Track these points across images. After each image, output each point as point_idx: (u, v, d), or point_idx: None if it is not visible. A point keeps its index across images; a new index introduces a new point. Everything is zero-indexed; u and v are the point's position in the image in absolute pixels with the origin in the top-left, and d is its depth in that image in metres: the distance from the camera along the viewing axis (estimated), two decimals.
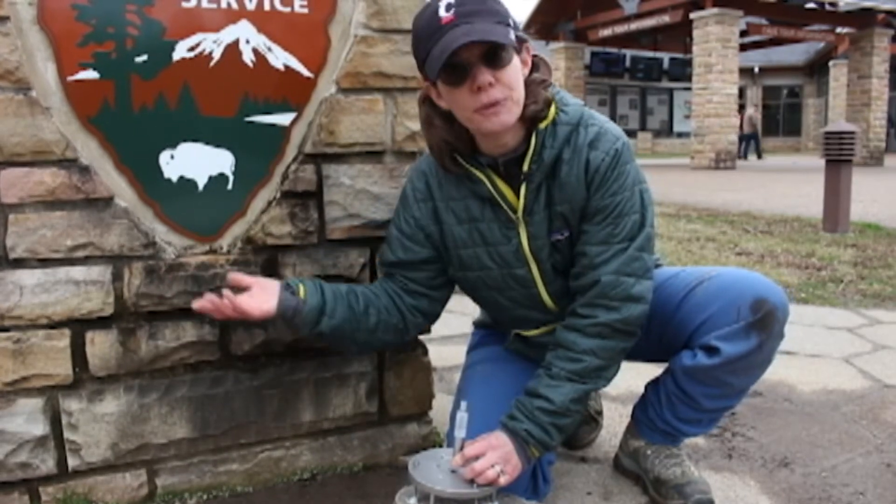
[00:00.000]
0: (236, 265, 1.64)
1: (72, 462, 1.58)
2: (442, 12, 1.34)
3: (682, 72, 27.43)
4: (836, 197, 6.06)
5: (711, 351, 1.52)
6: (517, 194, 1.49)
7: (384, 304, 1.57)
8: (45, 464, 1.56)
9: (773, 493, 1.73)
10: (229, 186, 1.62)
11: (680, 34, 21.49)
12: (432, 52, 1.34)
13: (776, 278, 3.10)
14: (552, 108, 1.46)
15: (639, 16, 19.58)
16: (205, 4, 1.54)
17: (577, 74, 21.91)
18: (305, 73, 1.65)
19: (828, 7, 18.52)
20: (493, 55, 1.35)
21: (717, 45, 16.83)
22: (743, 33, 18.44)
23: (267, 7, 1.59)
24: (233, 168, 1.62)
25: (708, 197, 9.61)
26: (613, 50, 26.07)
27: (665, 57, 27.95)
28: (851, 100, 19.56)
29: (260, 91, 1.61)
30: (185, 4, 1.52)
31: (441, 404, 2.02)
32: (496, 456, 1.41)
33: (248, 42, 1.58)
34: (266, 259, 1.68)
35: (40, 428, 1.54)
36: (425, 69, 1.39)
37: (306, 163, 1.68)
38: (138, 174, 1.55)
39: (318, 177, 1.70)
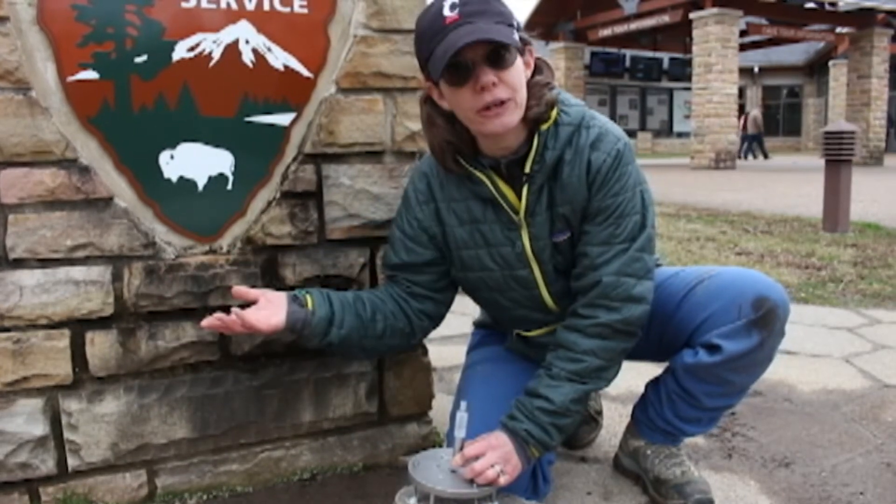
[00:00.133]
0: (236, 265, 1.64)
1: (72, 462, 1.58)
2: (446, 11, 1.33)
3: (681, 72, 27.44)
4: (835, 197, 6.06)
5: (713, 349, 1.52)
6: (519, 195, 1.49)
7: (390, 310, 1.57)
8: (45, 464, 1.56)
9: (773, 492, 1.73)
10: (229, 186, 1.62)
11: (680, 34, 21.49)
12: (436, 51, 1.34)
13: (776, 278, 3.10)
14: (554, 110, 1.46)
15: (638, 16, 19.58)
16: (204, 5, 1.54)
17: (576, 74, 21.91)
18: (305, 73, 1.65)
19: (827, 7, 18.52)
20: (497, 55, 1.34)
21: (716, 44, 16.84)
22: (743, 33, 18.44)
23: (266, 7, 1.59)
24: (232, 168, 1.62)
25: (708, 197, 9.61)
26: (613, 50, 26.07)
27: (665, 57, 27.95)
28: (851, 100, 19.56)
29: (259, 91, 1.61)
30: (184, 5, 1.52)
31: (441, 404, 2.02)
32: (496, 456, 1.41)
33: (247, 42, 1.58)
34: (266, 259, 1.68)
35: (40, 428, 1.54)
36: (428, 69, 1.39)
37: (306, 163, 1.68)
38: (138, 174, 1.55)
39: (318, 177, 1.70)
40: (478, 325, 1.92)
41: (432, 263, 1.59)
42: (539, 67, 1.47)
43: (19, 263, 1.49)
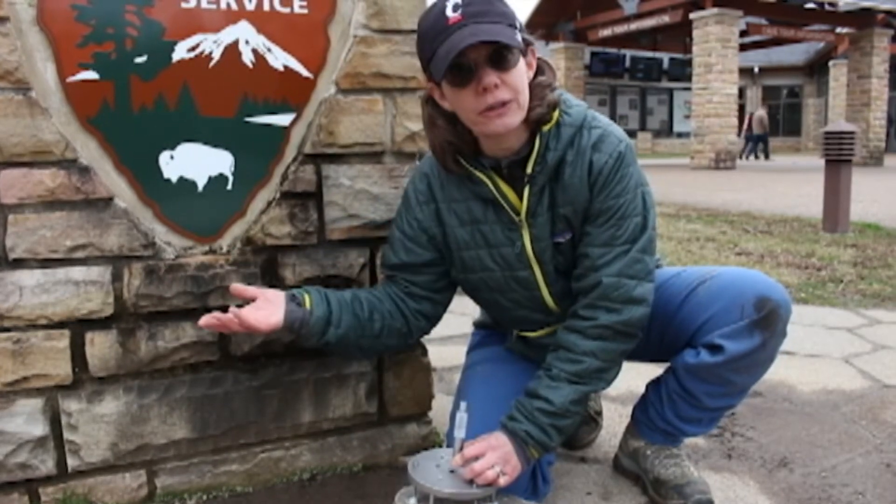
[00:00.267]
0: (236, 266, 1.64)
1: (71, 462, 1.58)
2: (449, 12, 1.33)
3: (681, 72, 27.45)
4: (835, 197, 6.06)
5: (715, 349, 1.52)
6: (520, 196, 1.49)
7: (388, 309, 1.57)
8: (45, 464, 1.56)
9: (773, 493, 1.73)
10: (229, 187, 1.62)
11: (680, 34, 21.50)
12: (438, 51, 1.33)
13: (776, 278, 3.09)
14: (556, 110, 1.45)
15: (638, 16, 19.59)
16: (204, 5, 1.54)
17: (576, 74, 21.92)
18: (305, 73, 1.65)
19: (827, 7, 18.53)
20: (500, 57, 1.34)
21: (716, 45, 16.84)
22: (743, 33, 18.44)
23: (266, 7, 1.59)
24: (232, 168, 1.62)
25: (708, 197, 9.61)
26: (613, 50, 26.08)
27: (665, 57, 27.96)
28: (851, 100, 19.57)
29: (259, 91, 1.61)
30: (184, 5, 1.52)
31: (441, 405, 2.02)
32: (496, 456, 1.41)
33: (247, 42, 1.58)
34: (265, 259, 1.68)
35: (40, 428, 1.54)
36: (430, 69, 1.38)
37: (306, 163, 1.68)
38: (138, 174, 1.55)
39: (318, 177, 1.70)
40: (478, 325, 1.92)
41: (431, 264, 1.58)
42: (541, 68, 1.47)
43: (19, 263, 1.49)
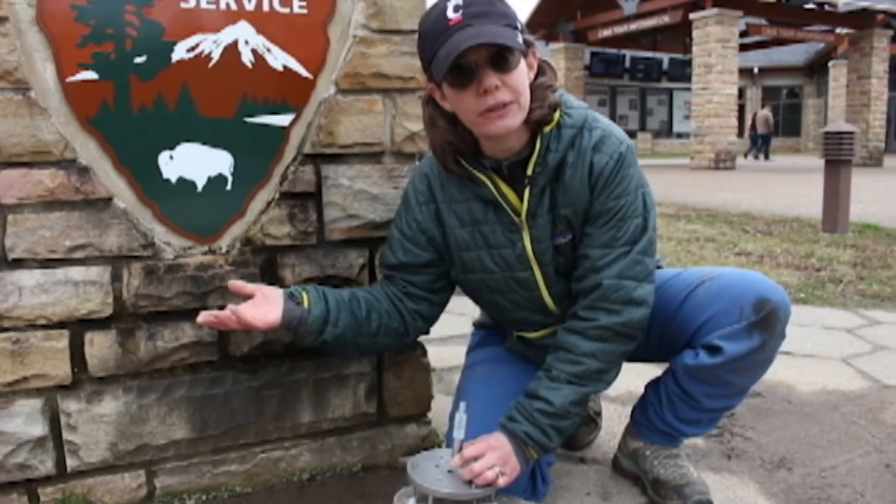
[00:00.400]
0: (235, 266, 1.64)
1: (70, 463, 1.58)
2: (450, 13, 1.32)
3: (681, 72, 27.45)
4: (835, 197, 6.07)
5: (714, 350, 1.52)
6: (520, 197, 1.48)
7: (385, 309, 1.57)
8: (44, 464, 1.55)
9: (772, 493, 1.73)
10: (228, 187, 1.62)
11: (679, 34, 21.51)
12: (439, 53, 1.33)
13: (776, 279, 3.09)
14: (556, 112, 1.45)
15: (638, 16, 19.60)
16: (204, 5, 1.54)
17: (576, 75, 21.94)
18: (304, 73, 1.65)
19: (827, 7, 18.54)
20: (501, 58, 1.33)
21: (716, 45, 16.85)
22: (742, 34, 18.45)
23: (266, 8, 1.59)
24: (232, 169, 1.62)
25: (707, 197, 9.62)
26: (613, 50, 26.09)
27: (665, 57, 27.97)
28: (851, 100, 19.59)
29: (259, 92, 1.61)
30: (184, 5, 1.52)
31: (440, 405, 2.02)
32: (495, 457, 1.41)
33: (247, 43, 1.58)
34: (265, 260, 1.68)
35: (39, 429, 1.54)
36: (431, 70, 1.38)
37: (305, 163, 1.68)
38: (137, 175, 1.55)
39: (317, 177, 1.70)
40: (478, 325, 1.92)
41: (429, 265, 1.58)
42: (542, 69, 1.46)
43: (18, 264, 1.48)
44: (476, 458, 1.40)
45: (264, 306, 1.44)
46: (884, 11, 18.45)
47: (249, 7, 1.57)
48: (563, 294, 1.55)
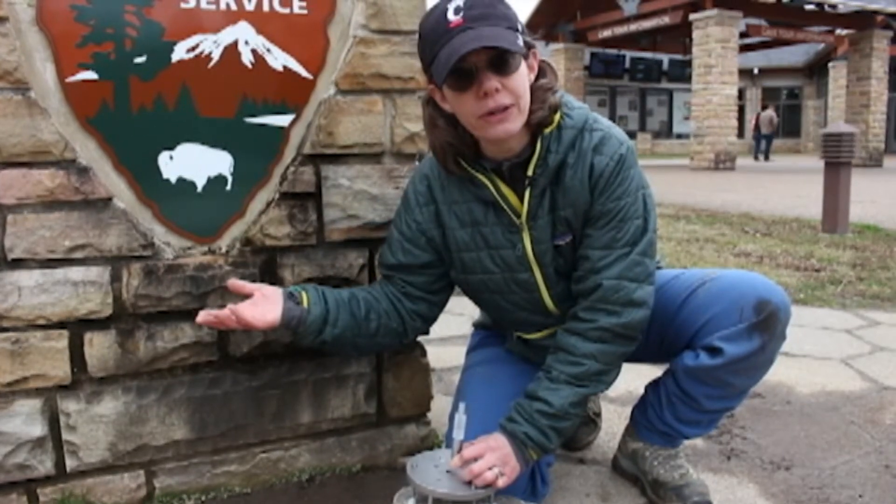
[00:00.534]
0: (235, 266, 1.64)
1: (70, 463, 1.58)
2: (450, 15, 1.32)
3: (681, 73, 27.45)
4: (835, 198, 6.07)
5: (714, 351, 1.52)
6: (521, 198, 1.48)
7: (384, 309, 1.57)
8: (44, 465, 1.55)
9: (772, 494, 1.73)
10: (228, 187, 1.62)
11: (679, 35, 21.51)
12: (439, 55, 1.32)
13: (775, 279, 3.09)
14: (557, 113, 1.45)
15: (638, 17, 19.59)
16: (204, 5, 1.54)
17: (576, 75, 21.93)
18: (304, 74, 1.65)
19: (827, 8, 18.54)
20: (501, 61, 1.33)
21: (716, 46, 16.85)
22: (742, 34, 18.45)
23: (266, 8, 1.59)
24: (231, 169, 1.62)
25: (707, 198, 9.62)
26: (613, 51, 26.08)
27: (664, 58, 27.96)
28: (851, 101, 19.59)
29: (259, 92, 1.61)
30: (183, 5, 1.52)
31: (440, 405, 2.02)
32: (494, 458, 1.41)
33: (247, 43, 1.58)
34: (265, 260, 1.68)
35: (38, 429, 1.54)
36: (431, 72, 1.38)
37: (305, 164, 1.68)
38: (137, 175, 1.55)
39: (317, 178, 1.70)
40: (477, 326, 1.92)
41: (429, 266, 1.58)
42: (543, 70, 1.46)
43: (18, 264, 1.48)
44: (476, 459, 1.40)
45: (264, 306, 1.44)
46: (884, 12, 18.46)
47: (249, 7, 1.57)
48: (563, 295, 1.55)
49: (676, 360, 1.60)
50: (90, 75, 1.48)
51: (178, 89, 1.54)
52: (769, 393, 2.39)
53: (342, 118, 1.69)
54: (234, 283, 1.51)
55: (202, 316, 1.41)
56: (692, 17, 17.38)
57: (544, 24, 21.42)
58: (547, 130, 1.44)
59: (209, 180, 1.60)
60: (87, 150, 1.51)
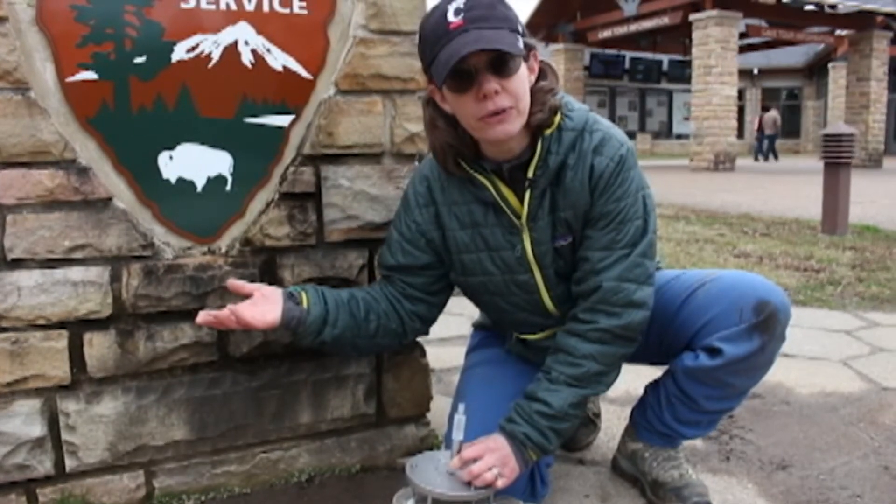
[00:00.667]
0: (234, 266, 1.64)
1: (69, 463, 1.58)
2: (451, 16, 1.32)
3: (681, 73, 27.44)
4: (834, 199, 6.07)
5: (714, 352, 1.52)
6: (521, 200, 1.48)
7: (384, 309, 1.57)
8: (43, 465, 1.55)
9: (771, 495, 1.73)
10: (228, 188, 1.62)
11: (679, 36, 21.51)
12: (439, 56, 1.32)
13: (775, 280, 3.09)
14: (557, 115, 1.45)
15: (638, 17, 19.58)
16: (204, 6, 1.54)
17: (576, 76, 21.92)
18: (304, 74, 1.65)
19: (827, 9, 18.54)
20: (501, 63, 1.33)
21: (716, 46, 16.85)
22: (742, 35, 18.45)
23: (266, 8, 1.59)
24: (231, 169, 1.62)
25: (707, 198, 9.62)
26: (613, 51, 26.07)
27: (664, 58, 27.95)
28: (850, 102, 19.59)
29: (259, 92, 1.61)
30: (183, 6, 1.52)
31: (439, 406, 2.01)
32: (494, 458, 1.41)
33: (246, 43, 1.58)
34: (264, 260, 1.68)
35: (38, 429, 1.54)
36: (431, 73, 1.38)
37: (305, 164, 1.68)
38: (137, 175, 1.55)
39: (317, 178, 1.70)
40: (477, 326, 1.92)
41: (428, 267, 1.58)
42: (543, 72, 1.45)
43: (18, 264, 1.48)
44: (475, 460, 1.40)
45: (263, 306, 1.44)
46: (885, 14, 18.46)
47: (249, 7, 1.57)
48: (563, 296, 1.55)
49: (676, 360, 1.60)
50: (90, 75, 1.48)
51: (177, 89, 1.54)
52: (768, 394, 2.39)
53: (342, 118, 1.69)
54: (234, 283, 1.51)
55: (202, 316, 1.41)
56: (692, 17, 17.38)
57: (544, 24, 21.41)
58: (547, 132, 1.44)
59: (209, 180, 1.60)
60: (87, 151, 1.51)
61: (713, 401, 1.60)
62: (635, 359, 1.64)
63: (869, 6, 18.03)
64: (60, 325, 1.53)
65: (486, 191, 1.49)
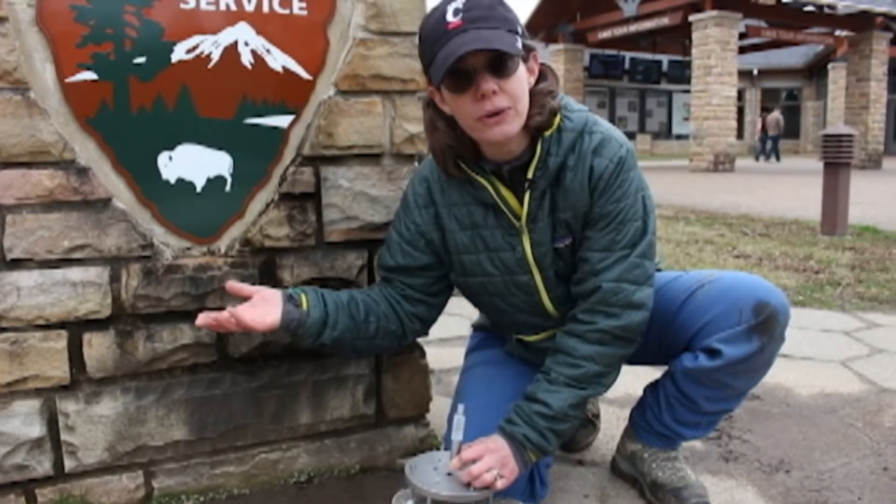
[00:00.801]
0: (234, 267, 1.64)
1: (68, 464, 1.57)
2: (449, 17, 1.32)
3: (681, 74, 27.44)
4: (834, 199, 6.07)
5: (713, 353, 1.52)
6: (520, 201, 1.48)
7: (383, 311, 1.57)
8: (42, 465, 1.55)
9: (770, 496, 1.73)
10: (227, 188, 1.62)
11: (679, 36, 21.52)
12: (437, 56, 1.32)
13: (774, 281, 3.10)
14: (556, 117, 1.45)
15: (638, 18, 19.59)
16: (203, 6, 1.54)
17: (576, 76, 21.93)
18: (304, 75, 1.65)
19: (826, 10, 18.55)
20: (499, 63, 1.33)
21: (716, 47, 16.86)
22: (742, 36, 18.46)
23: (266, 9, 1.59)
24: (231, 170, 1.62)
25: (706, 199, 9.62)
26: (612, 52, 26.08)
27: (664, 59, 27.97)
28: (850, 102, 19.60)
29: (258, 93, 1.61)
30: (183, 6, 1.52)
31: (438, 407, 2.01)
32: (493, 459, 1.41)
33: (246, 44, 1.58)
34: (264, 261, 1.68)
35: (37, 429, 1.54)
36: (430, 73, 1.38)
37: (304, 165, 1.68)
38: (136, 175, 1.55)
39: (317, 179, 1.70)
40: (476, 327, 1.92)
41: (427, 268, 1.58)
42: (543, 74, 1.45)
43: (17, 264, 1.48)
44: (474, 461, 1.40)
45: (263, 308, 1.44)
46: (883, 14, 18.47)
47: (249, 8, 1.57)
48: (562, 298, 1.55)
49: (675, 361, 1.60)
50: (90, 76, 1.48)
51: (177, 90, 1.54)
52: (768, 395, 2.39)
53: (342, 119, 1.69)
54: (233, 285, 1.51)
55: (201, 318, 1.41)
56: (692, 18, 17.39)
57: (544, 24, 21.42)
58: (547, 133, 1.44)
59: (208, 181, 1.60)
60: (87, 151, 1.51)
61: (712, 402, 1.60)
62: (635, 359, 1.64)
63: (866, 6, 18.03)
64: (60, 325, 1.53)
65: (485, 192, 1.49)
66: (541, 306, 1.57)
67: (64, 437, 1.56)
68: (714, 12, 16.80)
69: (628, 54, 27.19)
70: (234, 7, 1.56)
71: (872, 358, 2.82)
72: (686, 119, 24.73)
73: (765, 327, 1.50)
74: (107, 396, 1.58)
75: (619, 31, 20.69)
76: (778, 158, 23.19)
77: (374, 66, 1.70)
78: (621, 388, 2.14)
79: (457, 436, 1.43)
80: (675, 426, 1.66)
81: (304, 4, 1.62)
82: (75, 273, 1.52)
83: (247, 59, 1.59)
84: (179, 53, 1.53)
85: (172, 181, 1.57)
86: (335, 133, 1.69)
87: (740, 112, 23.81)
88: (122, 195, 1.55)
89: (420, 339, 1.81)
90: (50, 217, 1.49)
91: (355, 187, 1.72)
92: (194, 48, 1.55)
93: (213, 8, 1.54)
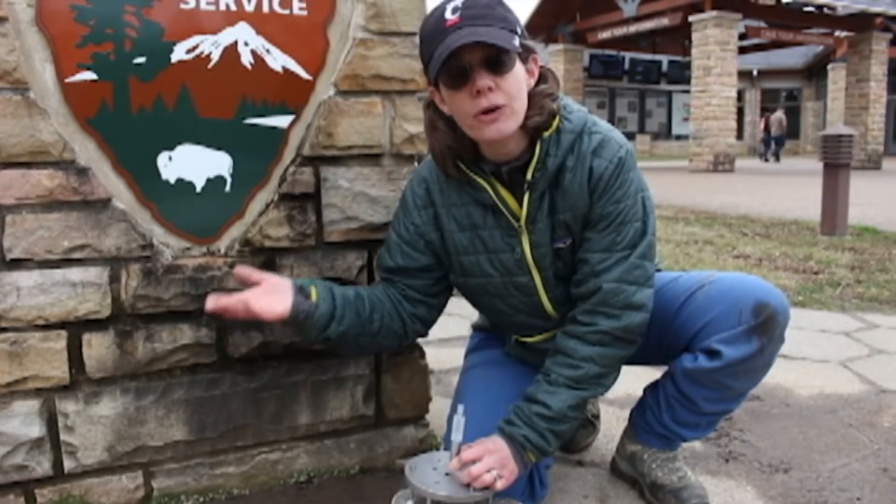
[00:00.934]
0: (234, 267, 1.63)
1: (68, 464, 1.57)
2: (448, 14, 1.32)
3: (680, 74, 27.46)
4: (833, 200, 6.07)
5: (712, 354, 1.52)
6: (520, 202, 1.48)
7: (387, 310, 1.57)
8: (41, 466, 1.55)
9: (770, 497, 1.73)
10: (227, 188, 1.62)
11: (679, 37, 21.53)
12: (435, 53, 1.33)
13: (774, 282, 3.10)
14: (555, 118, 1.44)
15: (638, 18, 19.61)
16: (203, 6, 1.54)
17: (575, 77, 21.95)
18: (304, 75, 1.65)
19: (826, 10, 18.56)
20: (495, 60, 1.33)
21: (715, 47, 16.87)
22: (742, 36, 18.48)
23: (266, 9, 1.59)
24: (230, 170, 1.62)
25: (706, 200, 9.63)
26: (612, 52, 26.09)
27: (664, 59, 27.98)
28: (850, 103, 19.61)
29: (258, 93, 1.61)
30: (183, 6, 1.52)
31: (438, 407, 2.01)
32: (493, 460, 1.41)
33: (246, 44, 1.58)
34: (264, 261, 1.68)
35: (36, 430, 1.54)
36: (428, 70, 1.39)
37: (304, 165, 1.68)
38: (136, 176, 1.55)
39: (316, 179, 1.70)
40: (476, 328, 1.92)
41: (427, 269, 1.58)
42: (544, 76, 1.45)
43: (17, 264, 1.48)
44: (474, 461, 1.40)
45: (273, 297, 1.42)
46: (883, 14, 18.49)
47: (249, 8, 1.57)
48: (562, 299, 1.55)
49: (675, 362, 1.60)
50: (90, 76, 1.48)
51: (177, 90, 1.54)
52: (767, 396, 2.39)
53: (341, 119, 1.69)
54: (241, 270, 1.49)
55: (210, 302, 1.40)
56: (691, 18, 17.40)
57: (544, 25, 21.43)
58: (546, 134, 1.44)
59: (208, 181, 1.60)
60: (87, 151, 1.51)
61: (712, 402, 1.60)
62: (635, 360, 1.64)
63: (868, 7, 18.04)
64: (59, 325, 1.52)
65: (484, 193, 1.49)
66: (540, 307, 1.57)
67: (63, 437, 1.56)
68: (714, 13, 16.81)
69: (628, 55, 27.21)
70: (233, 7, 1.56)
71: (872, 358, 2.82)
72: (686, 119, 24.74)
73: (764, 328, 1.50)
74: (106, 397, 1.58)
75: (619, 31, 20.70)
76: (777, 159, 23.21)
77: (374, 67, 1.70)
78: (621, 388, 2.14)
79: (456, 436, 1.43)
80: (675, 427, 1.65)
81: (304, 4, 1.62)
82: (75, 273, 1.52)
83: (247, 59, 1.59)
84: (179, 53, 1.53)
85: (172, 181, 1.57)
86: (335, 133, 1.69)
87: (740, 112, 23.82)
88: (122, 195, 1.55)
89: (420, 340, 1.81)
90: (50, 217, 1.49)
91: (355, 187, 1.72)
92: (194, 48, 1.54)
93: (212, 8, 1.54)
